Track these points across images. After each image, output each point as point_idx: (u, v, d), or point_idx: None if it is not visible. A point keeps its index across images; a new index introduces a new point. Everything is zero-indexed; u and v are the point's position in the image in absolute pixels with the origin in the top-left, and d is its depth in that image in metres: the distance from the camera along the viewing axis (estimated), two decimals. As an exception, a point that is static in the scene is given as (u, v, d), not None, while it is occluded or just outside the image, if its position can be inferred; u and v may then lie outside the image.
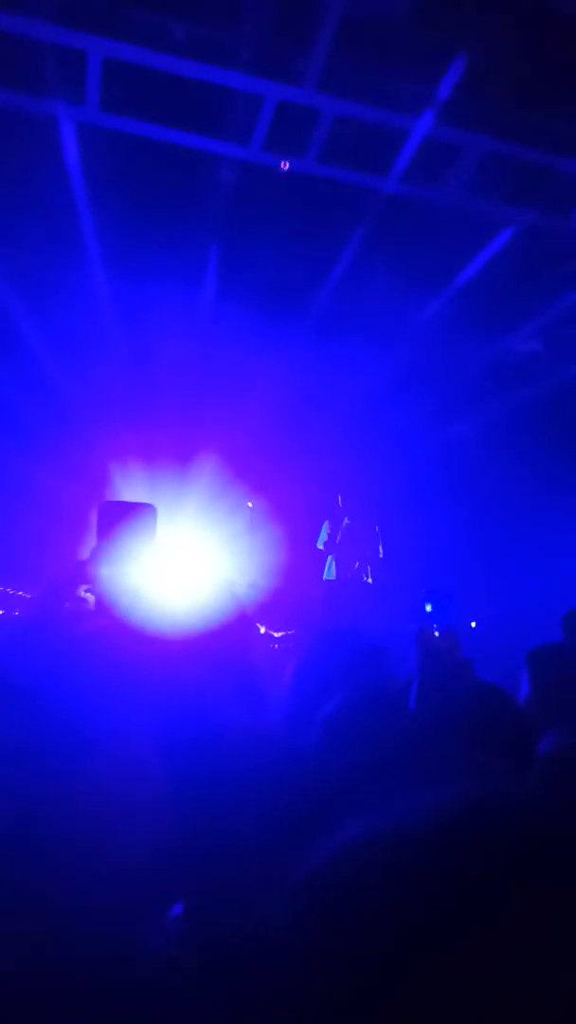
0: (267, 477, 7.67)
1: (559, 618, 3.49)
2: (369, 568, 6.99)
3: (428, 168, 6.41)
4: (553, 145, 6.23)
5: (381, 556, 7.03)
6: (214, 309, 7.52)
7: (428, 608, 2.56)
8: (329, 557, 7.02)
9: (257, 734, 1.60)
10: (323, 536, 7.04)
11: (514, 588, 7.98)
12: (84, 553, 1.84)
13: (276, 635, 5.82)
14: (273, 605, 6.79)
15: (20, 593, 6.13)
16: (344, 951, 0.54)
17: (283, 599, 6.91)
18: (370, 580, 6.98)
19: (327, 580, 6.99)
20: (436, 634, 2.38)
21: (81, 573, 1.78)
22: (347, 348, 7.67)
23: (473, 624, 7.94)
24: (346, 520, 7.01)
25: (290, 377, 7.74)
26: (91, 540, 1.85)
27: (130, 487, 7.05)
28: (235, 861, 1.17)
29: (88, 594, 1.79)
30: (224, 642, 2.23)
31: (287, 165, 6.34)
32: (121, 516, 1.83)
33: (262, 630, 6.03)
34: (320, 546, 7.06)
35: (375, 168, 6.44)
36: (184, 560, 6.88)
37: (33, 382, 7.35)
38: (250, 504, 7.27)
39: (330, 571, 7.01)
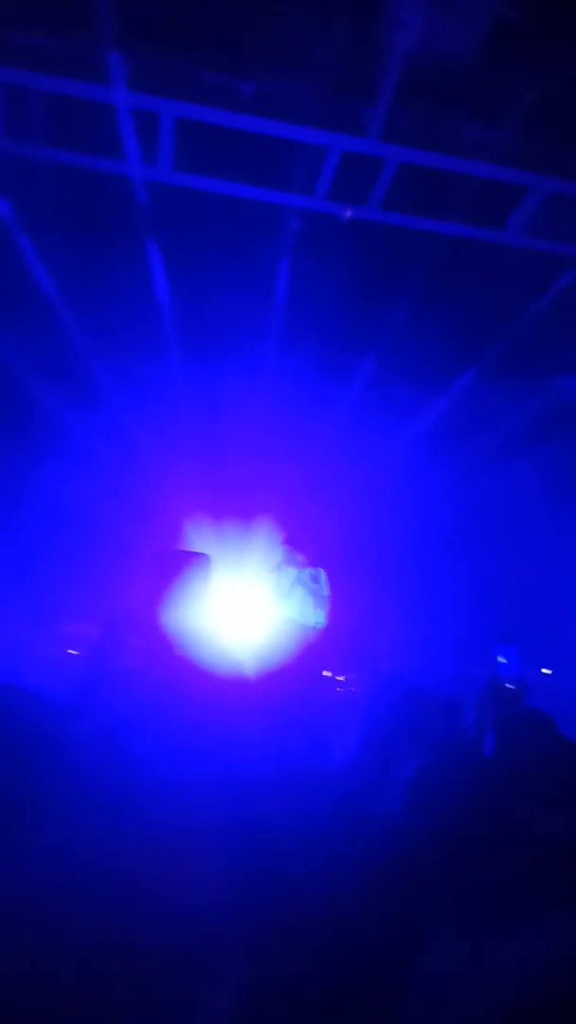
0: (330, 523, 7.66)
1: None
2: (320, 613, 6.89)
3: (491, 209, 6.41)
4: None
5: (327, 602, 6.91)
6: (278, 362, 7.65)
7: (501, 660, 2.48)
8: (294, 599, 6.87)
9: (321, 780, 1.56)
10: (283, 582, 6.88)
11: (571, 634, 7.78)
12: (139, 598, 1.85)
13: (340, 679, 5.73)
14: (338, 650, 6.72)
15: (87, 630, 6.25)
16: None
17: (348, 644, 6.83)
18: (322, 624, 6.86)
19: (303, 625, 6.87)
20: (508, 686, 2.30)
21: (136, 617, 1.78)
22: (407, 390, 7.67)
23: (546, 671, 7.68)
24: (307, 569, 6.88)
25: (350, 426, 7.80)
26: (146, 585, 1.86)
27: (199, 537, 7.16)
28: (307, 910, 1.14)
29: (138, 639, 1.79)
30: (290, 687, 2.19)
31: (350, 213, 6.43)
32: (176, 563, 1.84)
33: (328, 675, 5.94)
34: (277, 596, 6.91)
35: (438, 212, 6.47)
36: (251, 606, 6.89)
37: (112, 435, 7.63)
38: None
39: (315, 618, 6.87)
